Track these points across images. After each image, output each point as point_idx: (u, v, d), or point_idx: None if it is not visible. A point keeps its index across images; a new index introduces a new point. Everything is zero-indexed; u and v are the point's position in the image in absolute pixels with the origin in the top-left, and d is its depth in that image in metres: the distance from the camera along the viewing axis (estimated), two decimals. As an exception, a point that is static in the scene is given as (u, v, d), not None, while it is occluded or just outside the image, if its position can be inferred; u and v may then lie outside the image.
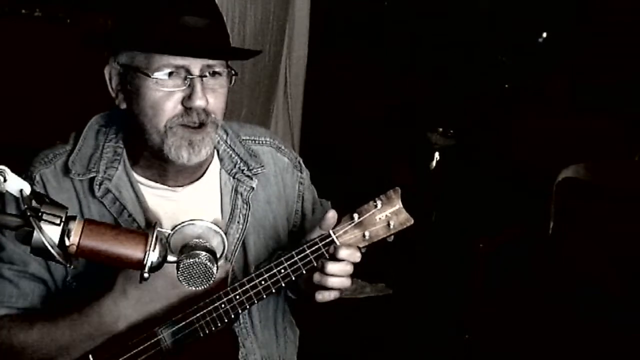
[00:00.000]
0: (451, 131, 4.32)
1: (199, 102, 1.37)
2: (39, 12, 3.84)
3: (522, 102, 4.53)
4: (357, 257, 1.44)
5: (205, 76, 1.39)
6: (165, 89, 1.37)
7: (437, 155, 4.27)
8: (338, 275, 1.43)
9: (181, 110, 1.39)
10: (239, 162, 1.57)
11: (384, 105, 4.80)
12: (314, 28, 3.77)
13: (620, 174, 3.14)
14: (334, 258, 1.43)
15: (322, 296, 1.45)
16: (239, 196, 1.56)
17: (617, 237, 2.84)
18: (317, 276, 1.44)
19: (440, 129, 4.32)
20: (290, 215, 1.66)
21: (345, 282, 1.44)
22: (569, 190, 2.97)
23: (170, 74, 1.37)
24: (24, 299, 1.46)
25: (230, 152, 1.58)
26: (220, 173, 1.57)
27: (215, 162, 1.57)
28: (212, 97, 1.40)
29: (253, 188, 1.57)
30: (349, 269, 1.43)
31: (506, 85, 4.74)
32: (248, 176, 1.57)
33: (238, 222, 1.55)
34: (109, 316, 1.38)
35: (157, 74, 1.36)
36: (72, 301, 1.46)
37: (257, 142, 1.64)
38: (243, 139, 1.61)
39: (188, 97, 1.38)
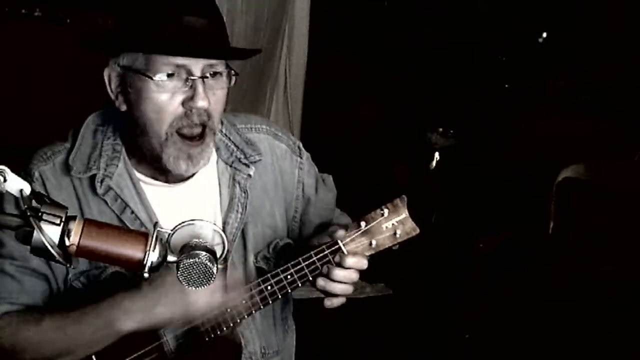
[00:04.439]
0: (451, 131, 4.31)
1: (201, 102, 1.36)
2: (39, 12, 3.84)
3: (522, 102, 4.53)
4: (363, 264, 1.44)
5: (207, 77, 1.38)
6: (168, 91, 1.37)
7: (437, 155, 4.26)
8: (343, 282, 1.44)
9: (182, 112, 1.38)
10: (235, 150, 1.56)
11: (384, 106, 4.79)
12: (314, 28, 3.77)
13: (620, 174, 3.14)
14: (340, 265, 1.44)
15: (331, 302, 1.47)
16: (237, 185, 1.55)
17: (617, 237, 2.84)
18: (321, 281, 1.45)
19: (440, 129, 4.31)
20: (289, 203, 1.65)
21: (350, 289, 1.45)
22: (569, 190, 2.97)
23: (170, 75, 1.36)
24: (26, 295, 1.44)
25: (227, 141, 1.56)
26: (217, 163, 1.56)
27: (212, 152, 1.55)
28: (212, 98, 1.39)
29: (250, 175, 1.56)
30: (354, 276, 1.44)
31: (506, 85, 4.74)
32: (245, 164, 1.56)
33: (237, 211, 1.54)
34: (120, 312, 1.36)
35: (158, 76, 1.35)
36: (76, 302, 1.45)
37: (253, 129, 1.62)
38: (239, 127, 1.60)
39: (190, 98, 1.37)
